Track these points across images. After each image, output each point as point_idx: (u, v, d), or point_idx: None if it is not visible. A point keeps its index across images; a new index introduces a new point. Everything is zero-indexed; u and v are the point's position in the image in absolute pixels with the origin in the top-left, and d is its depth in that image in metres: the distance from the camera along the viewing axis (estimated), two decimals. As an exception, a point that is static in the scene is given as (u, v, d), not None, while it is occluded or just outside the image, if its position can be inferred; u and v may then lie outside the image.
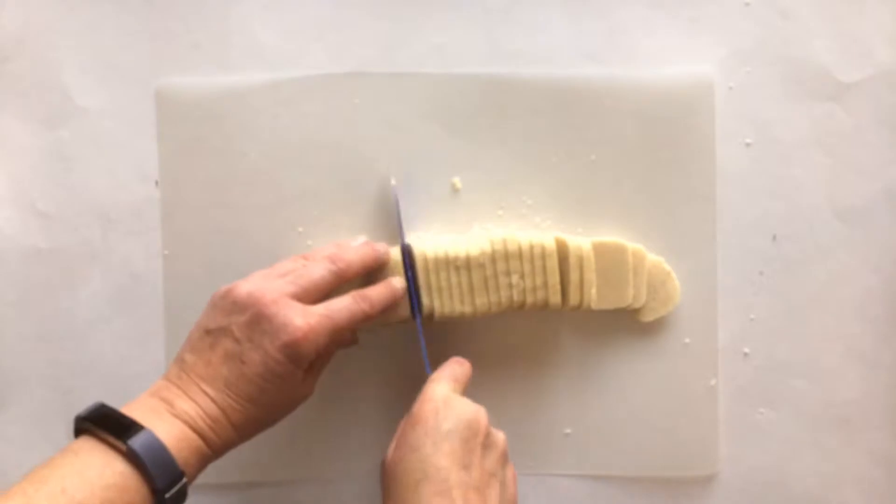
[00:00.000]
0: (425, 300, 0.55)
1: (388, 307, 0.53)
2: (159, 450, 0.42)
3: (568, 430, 0.59)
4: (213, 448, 0.46)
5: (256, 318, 0.47)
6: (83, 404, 0.59)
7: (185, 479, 0.43)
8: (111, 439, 0.43)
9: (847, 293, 0.59)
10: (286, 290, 0.49)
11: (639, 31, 0.59)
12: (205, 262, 0.58)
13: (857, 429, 0.59)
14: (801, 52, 0.59)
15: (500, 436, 0.50)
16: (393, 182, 0.56)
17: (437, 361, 0.59)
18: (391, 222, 0.59)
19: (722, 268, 0.59)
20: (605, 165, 0.59)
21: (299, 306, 0.48)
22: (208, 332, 0.48)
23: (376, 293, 0.52)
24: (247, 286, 0.49)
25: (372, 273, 0.55)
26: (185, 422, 0.45)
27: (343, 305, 0.50)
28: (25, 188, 0.59)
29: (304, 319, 0.47)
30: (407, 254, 0.55)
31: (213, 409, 0.46)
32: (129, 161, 0.59)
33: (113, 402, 0.58)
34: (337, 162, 0.59)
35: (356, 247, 0.54)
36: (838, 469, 0.59)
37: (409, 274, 0.55)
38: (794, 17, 0.59)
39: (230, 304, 0.48)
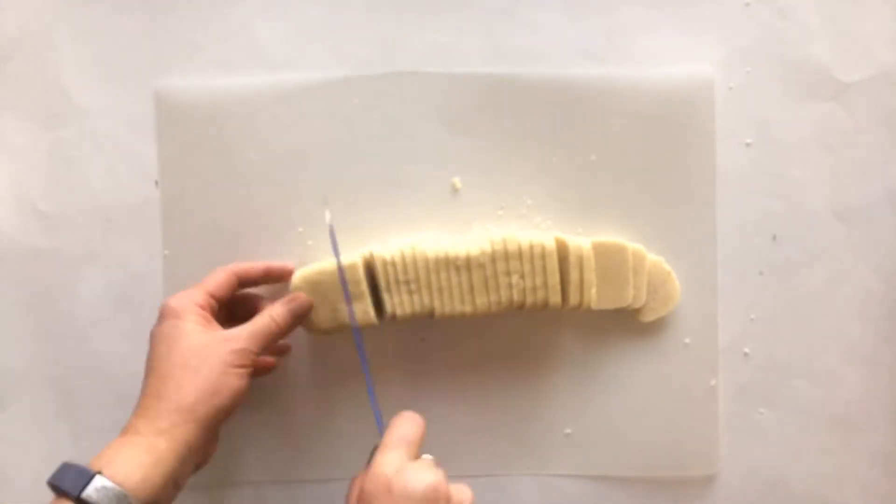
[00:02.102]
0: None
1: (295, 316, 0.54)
2: (109, 490, 0.44)
3: (568, 430, 0.59)
4: (160, 432, 0.47)
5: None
6: (83, 404, 0.59)
7: None
8: (67, 495, 0.44)
9: (847, 293, 0.59)
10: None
11: (639, 31, 0.59)
12: (205, 262, 0.58)
13: (857, 429, 0.59)
14: (801, 52, 0.59)
15: (464, 494, 0.47)
16: (327, 217, 0.56)
17: (438, 362, 0.59)
18: (391, 221, 0.59)
19: (722, 268, 0.59)
20: (605, 165, 0.59)
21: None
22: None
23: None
24: None
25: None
26: (132, 436, 0.47)
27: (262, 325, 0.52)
28: (25, 188, 0.59)
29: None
30: (343, 279, 0.55)
31: (144, 402, 0.48)
32: (129, 161, 0.59)
33: (112, 402, 0.58)
34: (337, 162, 0.59)
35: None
36: (838, 469, 0.59)
37: (346, 292, 0.55)
38: (794, 17, 0.59)
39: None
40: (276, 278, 0.57)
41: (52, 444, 0.59)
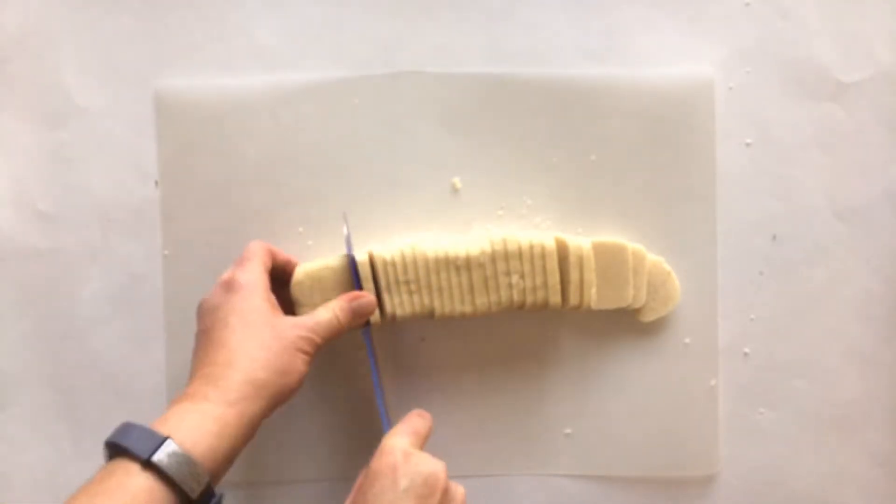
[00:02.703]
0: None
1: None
2: (181, 457, 0.42)
3: (568, 430, 0.59)
4: (230, 403, 0.46)
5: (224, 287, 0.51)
6: (83, 404, 0.59)
7: (209, 481, 0.43)
8: (135, 457, 0.42)
9: (847, 293, 0.59)
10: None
11: (639, 31, 0.59)
12: (205, 262, 0.58)
13: (857, 429, 0.59)
14: (801, 52, 0.59)
15: (458, 491, 0.49)
16: (345, 231, 0.56)
17: (438, 362, 0.59)
18: (391, 221, 0.59)
19: (722, 268, 0.59)
20: (605, 165, 0.59)
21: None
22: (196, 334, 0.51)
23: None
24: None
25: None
26: (199, 403, 0.45)
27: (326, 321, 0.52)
28: (25, 188, 0.59)
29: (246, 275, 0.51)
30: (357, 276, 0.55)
31: (213, 371, 0.47)
32: (129, 161, 0.59)
33: (112, 402, 0.58)
34: (337, 162, 0.59)
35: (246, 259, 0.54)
36: (838, 469, 0.59)
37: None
38: (795, 17, 0.59)
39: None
40: (287, 274, 0.56)
41: (52, 444, 0.59)
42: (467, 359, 0.59)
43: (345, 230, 0.56)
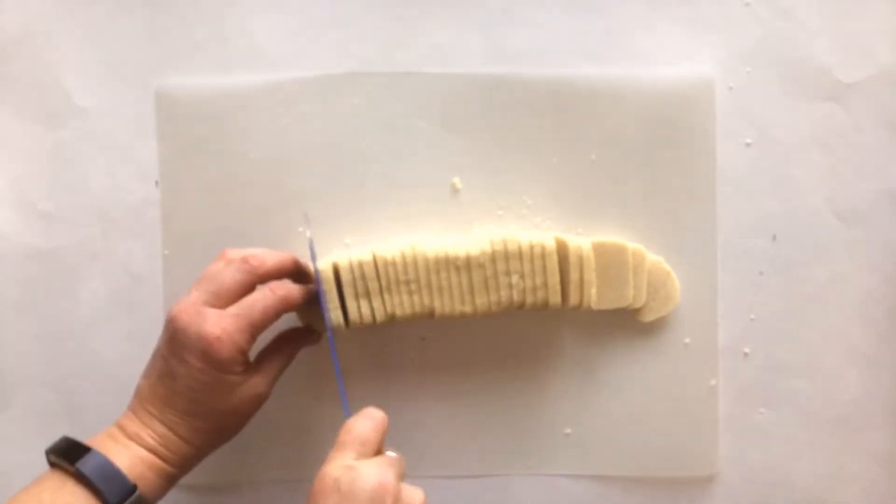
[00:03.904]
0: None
1: (309, 296, 0.54)
2: (106, 467, 0.46)
3: (568, 430, 0.59)
4: (171, 463, 0.49)
5: (174, 334, 0.49)
6: (83, 404, 0.59)
7: (137, 492, 0.46)
8: (64, 465, 0.46)
9: (847, 293, 0.59)
10: (199, 299, 0.50)
11: (639, 31, 0.59)
12: (205, 262, 0.58)
13: (857, 429, 0.59)
14: (801, 52, 0.59)
15: (416, 495, 0.46)
16: (308, 234, 0.56)
17: (438, 362, 0.59)
18: (391, 221, 0.59)
19: (722, 268, 0.59)
20: (605, 165, 0.59)
21: (212, 312, 0.49)
22: (152, 356, 0.51)
23: (291, 284, 0.53)
24: (173, 306, 0.51)
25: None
26: (138, 443, 0.48)
27: (254, 300, 0.50)
28: (25, 188, 0.59)
29: (216, 324, 0.48)
30: (318, 279, 0.54)
31: (159, 427, 0.49)
32: (129, 161, 0.59)
33: (112, 402, 0.58)
34: (337, 162, 0.59)
35: (273, 250, 0.53)
36: (838, 469, 0.59)
37: (322, 299, 0.54)
38: (795, 17, 0.59)
39: (164, 326, 0.51)
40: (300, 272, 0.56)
41: (52, 444, 0.59)
42: (467, 359, 0.59)
43: (308, 233, 0.56)
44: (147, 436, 0.48)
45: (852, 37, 0.59)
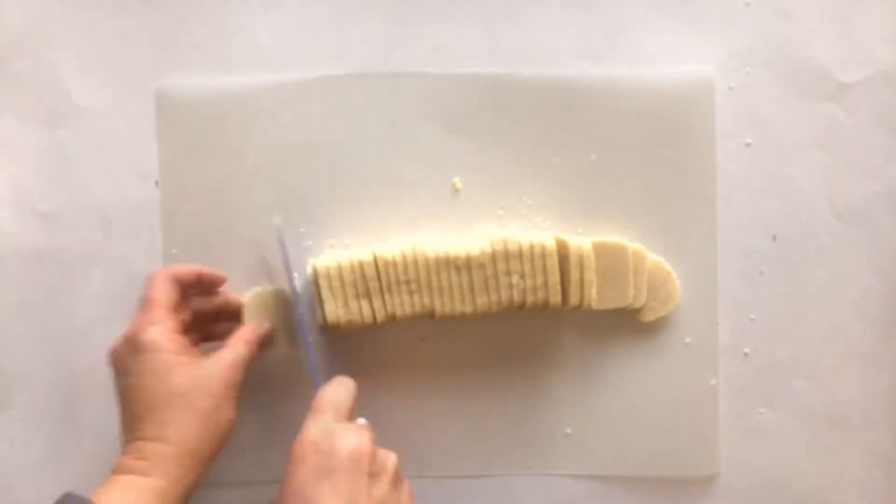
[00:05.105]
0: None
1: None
2: None
3: (568, 430, 0.59)
4: (166, 477, 0.47)
5: (113, 363, 0.51)
6: (83, 405, 0.59)
7: None
8: None
9: (847, 293, 0.59)
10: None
11: (639, 31, 0.59)
12: (205, 262, 0.58)
13: (857, 429, 0.59)
14: (801, 52, 0.59)
15: (389, 459, 0.48)
16: (277, 222, 0.56)
17: (438, 362, 0.59)
18: (391, 221, 0.59)
19: (722, 268, 0.59)
20: (605, 165, 0.59)
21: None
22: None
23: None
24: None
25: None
26: (135, 474, 0.47)
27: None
28: (25, 188, 0.59)
29: (135, 323, 0.50)
30: (294, 289, 0.56)
31: (144, 445, 0.48)
32: (129, 161, 0.59)
33: (112, 402, 0.58)
34: (337, 162, 0.59)
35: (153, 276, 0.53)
36: (838, 469, 0.59)
37: (301, 310, 0.55)
38: (794, 17, 0.59)
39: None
40: (208, 286, 0.56)
41: (52, 445, 0.59)
42: (467, 359, 0.59)
43: (283, 240, 0.56)
44: (135, 459, 0.48)
45: (852, 37, 0.59)
